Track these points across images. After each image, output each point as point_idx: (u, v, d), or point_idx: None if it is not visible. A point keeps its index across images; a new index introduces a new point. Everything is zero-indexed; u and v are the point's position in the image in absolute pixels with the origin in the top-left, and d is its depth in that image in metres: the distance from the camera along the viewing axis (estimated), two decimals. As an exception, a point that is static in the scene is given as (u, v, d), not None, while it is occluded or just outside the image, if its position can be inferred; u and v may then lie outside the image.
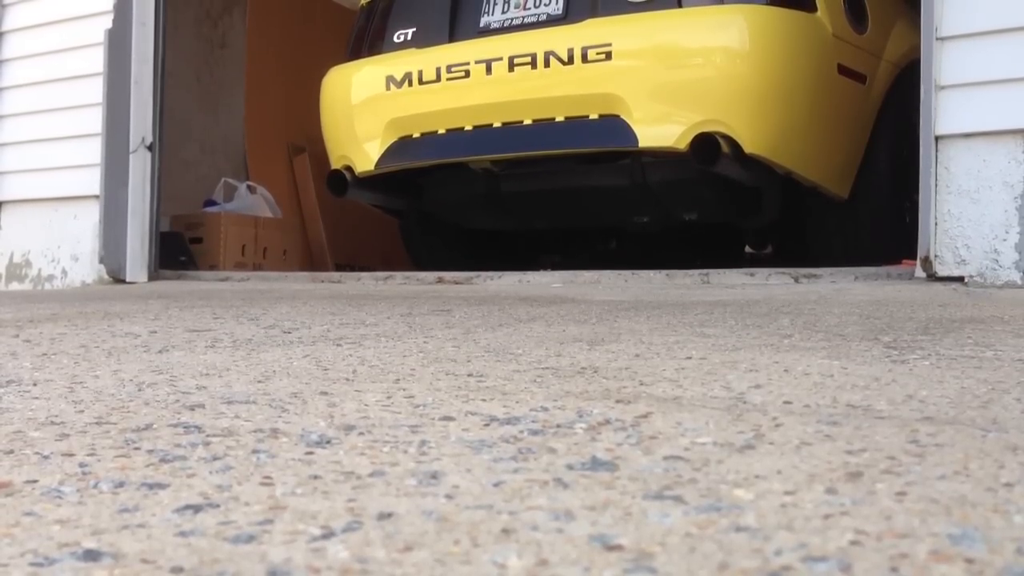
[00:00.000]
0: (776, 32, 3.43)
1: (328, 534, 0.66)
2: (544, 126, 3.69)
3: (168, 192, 4.90)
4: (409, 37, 4.09)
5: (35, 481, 0.81)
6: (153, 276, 4.67)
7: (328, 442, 0.94)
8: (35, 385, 1.33)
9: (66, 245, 4.95)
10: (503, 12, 3.86)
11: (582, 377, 1.33)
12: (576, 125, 3.62)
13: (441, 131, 3.93)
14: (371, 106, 4.15)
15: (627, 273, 3.54)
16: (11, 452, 0.91)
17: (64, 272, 4.96)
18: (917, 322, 1.97)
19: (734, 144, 3.38)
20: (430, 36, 4.02)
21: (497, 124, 3.79)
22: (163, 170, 4.73)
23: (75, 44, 4.85)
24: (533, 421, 1.03)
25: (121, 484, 0.80)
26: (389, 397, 1.20)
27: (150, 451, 0.91)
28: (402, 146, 4.05)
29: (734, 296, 2.76)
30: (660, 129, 3.46)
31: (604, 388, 1.24)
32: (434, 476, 0.81)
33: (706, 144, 3.36)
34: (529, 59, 3.67)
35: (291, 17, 6.59)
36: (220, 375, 1.40)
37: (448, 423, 1.03)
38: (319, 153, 5.04)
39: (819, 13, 3.51)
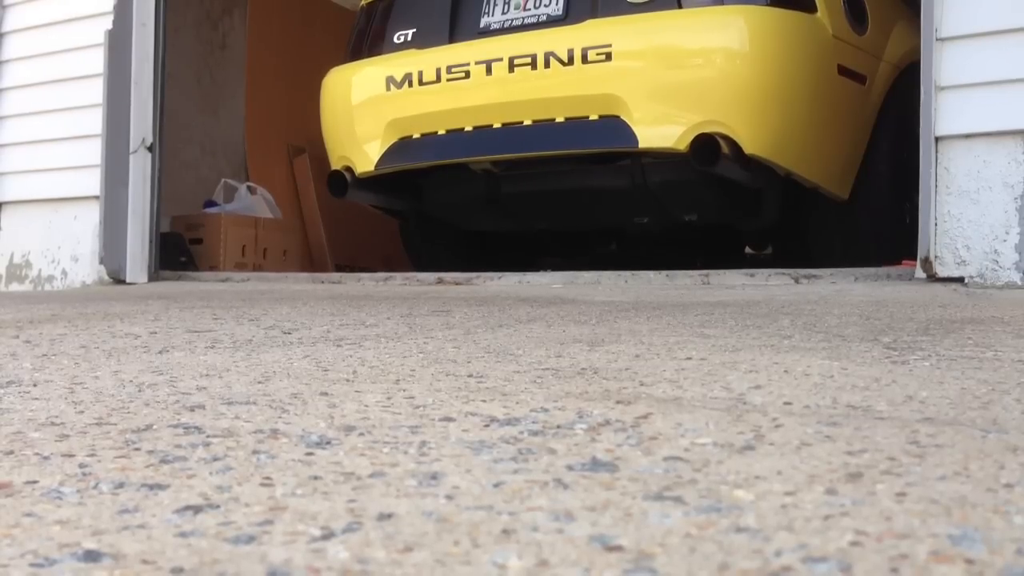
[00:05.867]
0: (776, 33, 3.43)
1: (328, 535, 0.66)
2: (544, 127, 3.69)
3: (168, 193, 4.91)
4: (409, 38, 4.09)
5: (35, 482, 0.81)
6: (153, 277, 4.67)
7: (328, 443, 0.94)
8: (35, 386, 1.33)
9: (66, 246, 4.95)
10: (503, 13, 3.86)
11: (582, 378, 1.33)
12: (576, 126, 3.62)
13: (441, 132, 3.93)
14: (371, 107, 4.15)
15: (627, 274, 3.54)
16: (11, 453, 0.91)
17: (64, 273, 4.96)
18: (917, 323, 1.97)
19: (734, 145, 3.37)
20: (430, 37, 4.02)
21: (497, 125, 3.79)
22: (163, 171, 4.74)
23: (75, 45, 4.85)
24: (533, 422, 1.03)
25: (121, 485, 0.80)
26: (389, 398, 1.19)
27: (150, 452, 0.91)
28: (402, 147, 4.05)
29: (734, 297, 2.76)
30: (660, 130, 3.46)
31: (604, 389, 1.24)
32: (434, 477, 0.81)
33: (706, 145, 3.36)
34: (529, 60, 3.67)
35: (291, 18, 6.59)
36: (220, 376, 1.40)
37: (448, 424, 1.03)
38: (319, 154, 5.05)
39: (819, 14, 3.51)
